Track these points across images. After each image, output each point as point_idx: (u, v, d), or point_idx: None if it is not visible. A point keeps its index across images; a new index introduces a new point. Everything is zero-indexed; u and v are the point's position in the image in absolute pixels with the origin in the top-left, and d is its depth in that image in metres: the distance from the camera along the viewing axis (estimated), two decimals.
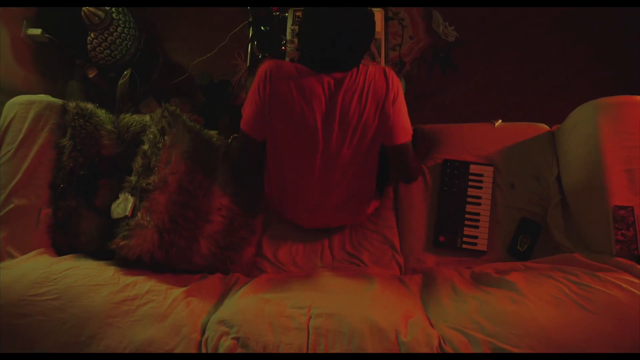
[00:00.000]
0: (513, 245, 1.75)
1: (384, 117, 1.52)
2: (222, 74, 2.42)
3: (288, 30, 1.77)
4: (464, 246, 1.77)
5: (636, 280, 1.35)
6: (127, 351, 1.26)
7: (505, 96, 2.44)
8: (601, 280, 1.36)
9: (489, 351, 1.24)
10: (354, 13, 1.39)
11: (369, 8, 1.44)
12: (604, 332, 1.24)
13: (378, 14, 1.83)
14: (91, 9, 2.02)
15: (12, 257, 1.52)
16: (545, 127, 1.87)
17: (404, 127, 1.59)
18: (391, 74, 1.54)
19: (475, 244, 1.76)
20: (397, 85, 1.55)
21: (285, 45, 1.78)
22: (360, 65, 1.51)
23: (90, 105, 1.68)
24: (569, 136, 1.71)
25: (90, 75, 2.32)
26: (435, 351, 1.27)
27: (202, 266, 1.65)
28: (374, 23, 1.44)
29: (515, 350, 1.22)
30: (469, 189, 1.81)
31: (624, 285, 1.32)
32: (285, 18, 1.79)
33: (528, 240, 1.74)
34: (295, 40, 1.78)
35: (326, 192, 1.68)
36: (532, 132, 1.86)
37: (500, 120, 1.91)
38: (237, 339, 1.30)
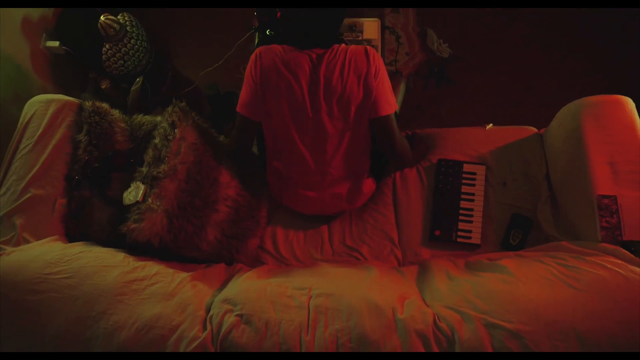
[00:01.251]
0: (506, 240, 1.82)
1: (367, 90, 1.64)
2: (228, 85, 2.55)
3: None
4: (459, 240, 1.84)
5: (620, 262, 1.41)
6: (135, 327, 1.32)
7: (498, 107, 2.56)
8: (587, 262, 1.43)
9: (481, 326, 1.30)
10: None
11: None
12: (591, 307, 1.29)
13: (374, 23, 1.96)
14: (108, 21, 2.16)
15: (27, 242, 1.59)
16: (534, 129, 1.98)
17: (387, 101, 1.69)
18: (372, 51, 1.66)
19: (469, 237, 1.84)
20: (379, 62, 1.66)
21: None
22: (342, 44, 1.66)
23: (105, 105, 1.79)
24: (556, 134, 1.81)
25: (103, 87, 2.44)
26: (430, 327, 1.32)
27: (208, 253, 1.72)
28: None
29: (507, 325, 1.28)
30: (463, 187, 1.90)
31: (608, 265, 1.39)
32: None
33: (520, 235, 1.82)
34: None
35: (321, 168, 1.77)
36: (522, 134, 1.96)
37: (491, 124, 2.02)
38: (240, 315, 1.36)
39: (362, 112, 1.68)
